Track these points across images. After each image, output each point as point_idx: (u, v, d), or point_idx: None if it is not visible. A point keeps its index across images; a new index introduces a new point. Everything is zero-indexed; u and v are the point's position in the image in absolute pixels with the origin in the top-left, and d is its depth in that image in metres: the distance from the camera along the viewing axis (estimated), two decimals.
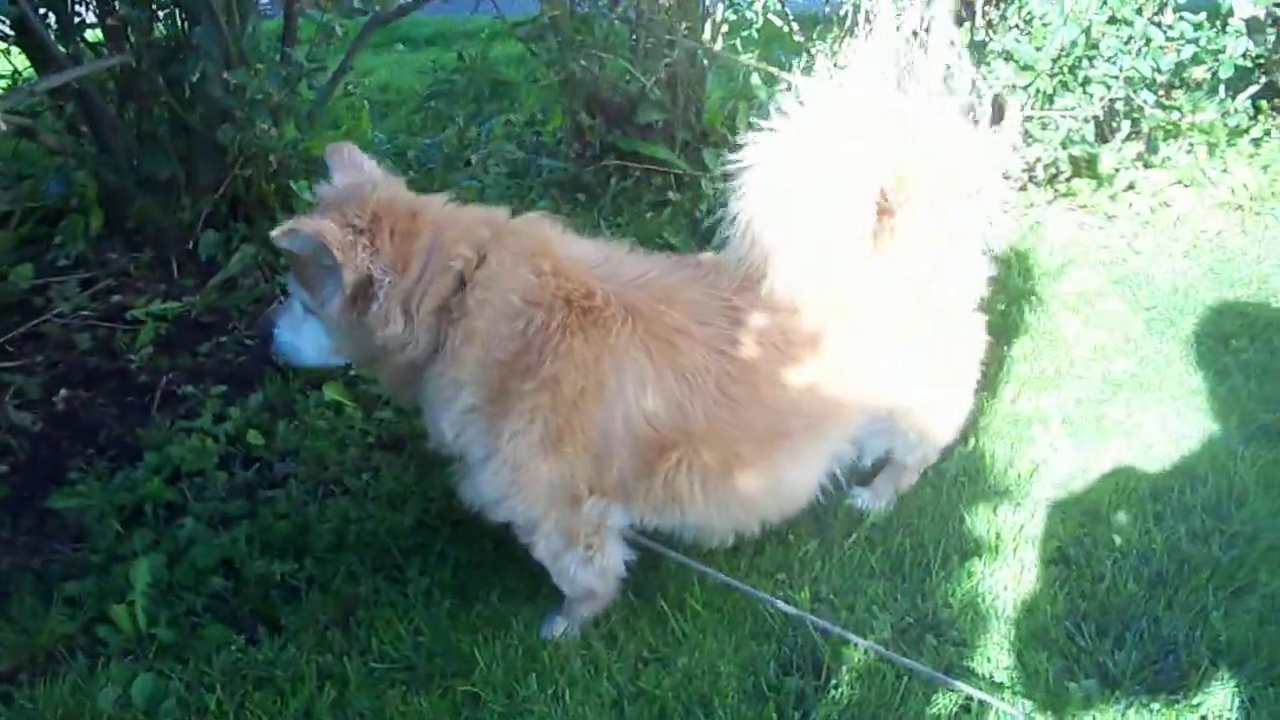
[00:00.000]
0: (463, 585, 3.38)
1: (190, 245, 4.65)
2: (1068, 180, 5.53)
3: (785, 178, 3.02)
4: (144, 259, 4.68)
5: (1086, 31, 4.70)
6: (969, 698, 3.00)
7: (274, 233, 2.70)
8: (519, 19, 5.28)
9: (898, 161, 3.03)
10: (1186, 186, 5.65)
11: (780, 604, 3.29)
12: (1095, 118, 5.05)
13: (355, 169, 2.96)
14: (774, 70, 5.19)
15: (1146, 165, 5.62)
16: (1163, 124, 5.51)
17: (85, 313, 4.48)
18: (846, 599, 3.34)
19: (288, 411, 4.09)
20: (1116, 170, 5.44)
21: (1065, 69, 4.91)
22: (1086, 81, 4.91)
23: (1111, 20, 4.70)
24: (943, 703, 3.02)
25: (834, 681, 3.10)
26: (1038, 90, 4.95)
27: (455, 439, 2.96)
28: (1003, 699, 2.99)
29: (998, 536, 3.58)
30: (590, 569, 3.18)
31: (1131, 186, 5.57)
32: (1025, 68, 4.84)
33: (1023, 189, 5.51)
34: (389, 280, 2.76)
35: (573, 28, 5.01)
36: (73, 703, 3.00)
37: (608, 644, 3.21)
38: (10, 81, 4.34)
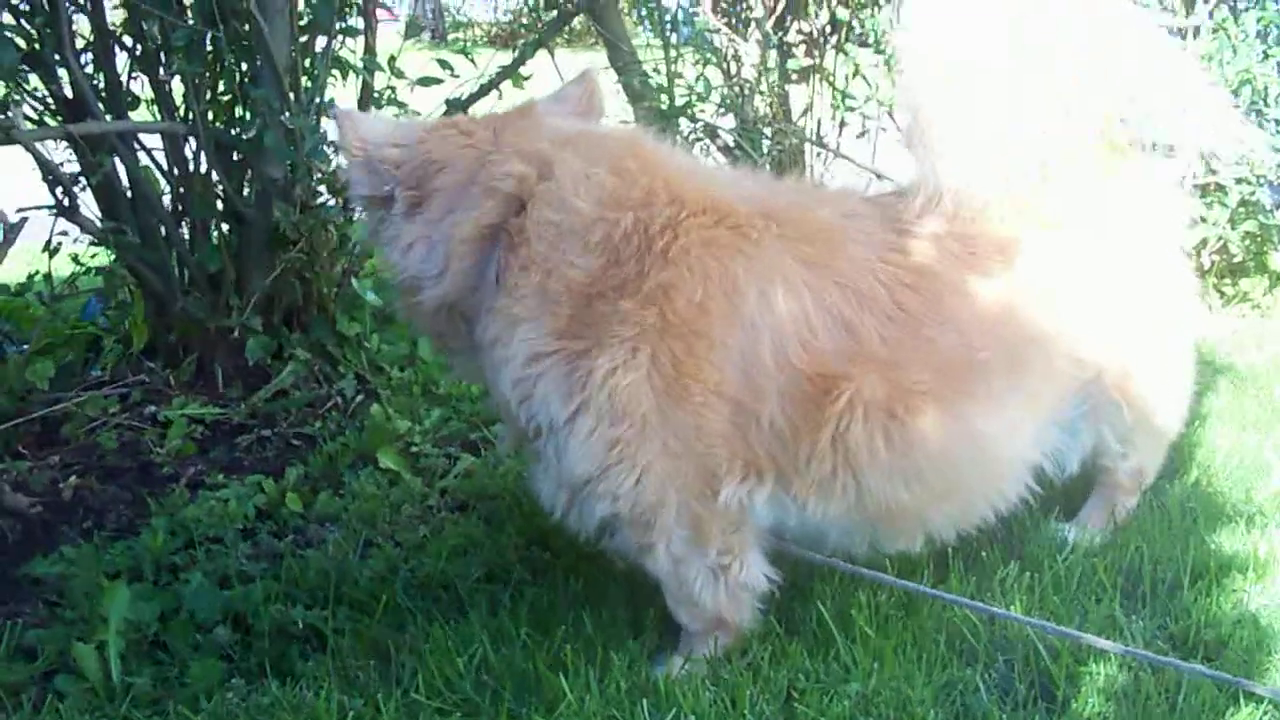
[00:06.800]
0: (544, 624, 2.51)
1: (239, 356, 4.06)
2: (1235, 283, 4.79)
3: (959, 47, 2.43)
4: (185, 370, 4.10)
5: None
6: (1275, 711, 2.16)
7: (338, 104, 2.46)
8: None
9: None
10: None
11: (998, 610, 2.42)
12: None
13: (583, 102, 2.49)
14: None
15: None
16: None
17: (116, 420, 3.85)
18: (1071, 625, 2.42)
19: (334, 484, 3.34)
20: None
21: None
22: None
23: None
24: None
25: (1076, 708, 2.16)
26: None
27: (523, 403, 2.21)
28: None
29: (1261, 553, 2.69)
30: (722, 586, 2.32)
31: None
32: None
33: None
34: (401, 208, 2.31)
35: None
36: None
37: (749, 676, 2.30)
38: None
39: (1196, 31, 4.31)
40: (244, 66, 3.92)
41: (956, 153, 2.36)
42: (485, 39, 9.81)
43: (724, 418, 2.16)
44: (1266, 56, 4.15)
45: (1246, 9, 4.25)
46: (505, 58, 4.35)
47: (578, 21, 4.12)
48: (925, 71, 2.44)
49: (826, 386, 2.18)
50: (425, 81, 3.91)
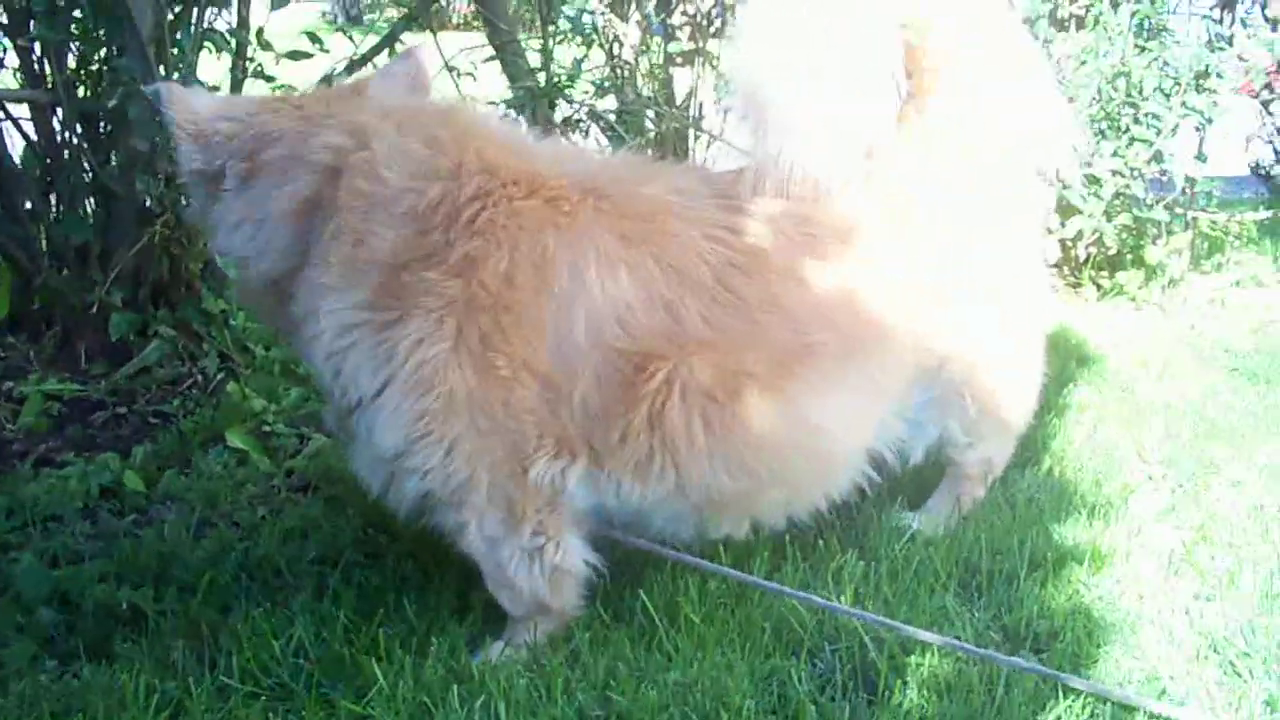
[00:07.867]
0: (368, 608, 2.45)
1: (104, 332, 3.94)
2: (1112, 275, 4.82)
3: (791, 26, 2.39)
4: (47, 345, 3.97)
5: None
6: (1095, 703, 2.15)
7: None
8: None
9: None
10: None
11: (819, 600, 2.40)
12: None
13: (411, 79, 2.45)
14: None
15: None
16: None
17: None
18: (901, 614, 2.41)
19: (183, 463, 3.26)
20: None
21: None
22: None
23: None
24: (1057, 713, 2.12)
25: (896, 699, 2.14)
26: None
27: (336, 377, 2.17)
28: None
29: (1101, 545, 2.69)
30: (538, 568, 2.28)
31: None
32: None
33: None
34: (232, 182, 2.25)
35: None
36: None
37: (568, 663, 2.26)
38: None
39: (1080, 22, 4.33)
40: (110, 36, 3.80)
41: (790, 130, 2.32)
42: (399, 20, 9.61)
43: (533, 393, 2.12)
44: (1142, 50, 4.17)
45: (1122, 2, 4.26)
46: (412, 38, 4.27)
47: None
48: (760, 47, 2.40)
49: (642, 365, 2.14)
50: (294, 55, 3.83)
